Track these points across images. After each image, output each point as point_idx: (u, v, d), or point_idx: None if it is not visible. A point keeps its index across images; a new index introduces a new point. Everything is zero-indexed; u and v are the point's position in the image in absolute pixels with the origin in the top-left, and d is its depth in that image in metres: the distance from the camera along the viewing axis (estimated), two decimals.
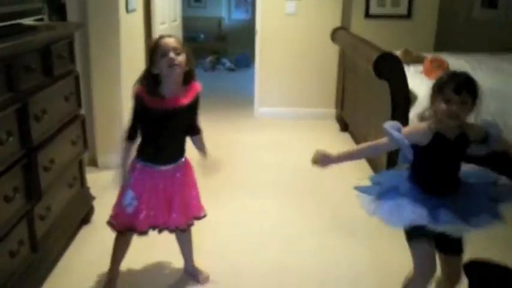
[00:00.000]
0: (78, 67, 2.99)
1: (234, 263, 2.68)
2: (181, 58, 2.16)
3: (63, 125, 2.62)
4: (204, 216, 2.44)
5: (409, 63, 3.91)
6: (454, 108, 1.83)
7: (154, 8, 4.49)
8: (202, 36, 9.25)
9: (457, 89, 1.83)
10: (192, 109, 2.29)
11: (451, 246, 2.02)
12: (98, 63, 3.82)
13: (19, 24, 2.39)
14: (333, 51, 5.22)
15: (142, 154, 2.29)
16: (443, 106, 1.84)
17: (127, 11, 3.95)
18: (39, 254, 2.33)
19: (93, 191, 3.14)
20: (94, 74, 3.84)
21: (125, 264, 2.49)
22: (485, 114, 3.14)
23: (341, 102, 5.00)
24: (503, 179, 2.05)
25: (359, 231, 2.94)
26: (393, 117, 3.07)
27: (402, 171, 2.05)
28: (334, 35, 4.95)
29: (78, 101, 2.86)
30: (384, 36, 4.86)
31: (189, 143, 2.39)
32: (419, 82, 3.49)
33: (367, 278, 2.56)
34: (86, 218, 3.03)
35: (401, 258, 2.28)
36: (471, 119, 1.92)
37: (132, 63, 3.98)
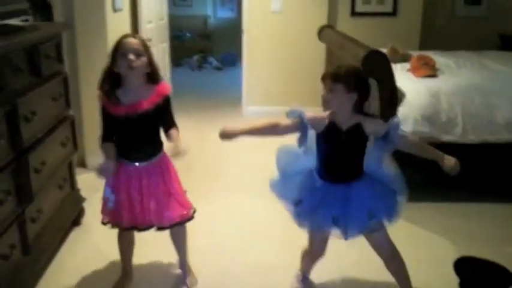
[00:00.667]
0: (66, 67, 2.97)
1: (223, 263, 2.69)
2: (141, 61, 2.14)
3: (52, 126, 2.60)
4: (193, 213, 2.39)
5: (396, 61, 3.94)
6: (323, 94, 2.04)
7: (140, 7, 4.47)
8: (188, 34, 9.22)
9: (322, 77, 2.05)
10: (160, 112, 2.24)
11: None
12: (85, 63, 3.80)
13: (6, 25, 2.37)
14: (319, 49, 5.24)
15: (117, 150, 2.26)
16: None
17: (114, 10, 3.93)
18: (30, 257, 2.31)
19: (82, 193, 3.12)
20: (82, 74, 3.82)
21: (118, 266, 2.49)
22: (471, 109, 3.25)
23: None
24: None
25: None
26: (381, 115, 3.10)
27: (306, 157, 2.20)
28: (321, 33, 4.97)
29: (67, 102, 2.84)
30: (369, 34, 4.90)
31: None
32: (406, 80, 3.52)
33: (357, 274, 2.58)
34: (76, 220, 3.01)
35: None
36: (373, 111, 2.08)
37: None
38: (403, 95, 3.31)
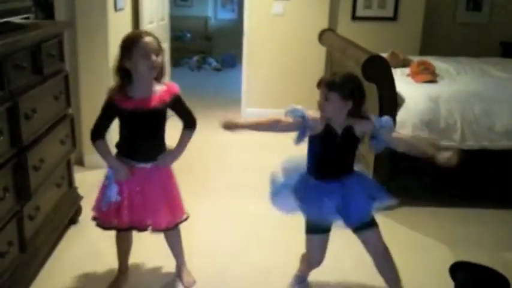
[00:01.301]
0: (66, 66, 2.97)
1: (220, 264, 2.69)
2: (160, 60, 2.15)
3: (52, 124, 2.60)
4: (186, 218, 2.41)
5: (396, 66, 3.95)
6: (319, 100, 2.08)
7: (142, 7, 4.47)
8: (188, 35, 9.22)
9: (318, 83, 2.09)
10: (174, 109, 2.27)
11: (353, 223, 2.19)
12: (86, 62, 3.80)
13: (8, 23, 2.36)
14: (320, 52, 5.25)
15: (121, 150, 2.28)
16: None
17: (115, 9, 3.93)
18: (27, 254, 2.31)
19: (80, 191, 3.12)
20: (82, 73, 3.82)
21: (114, 265, 2.49)
22: (470, 116, 3.26)
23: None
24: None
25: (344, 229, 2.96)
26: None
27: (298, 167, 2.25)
28: (322, 36, 4.98)
29: (67, 100, 2.84)
30: (370, 38, 4.91)
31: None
32: (406, 85, 3.54)
33: (353, 275, 2.59)
34: (73, 218, 3.01)
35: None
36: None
37: None
38: (402, 100, 3.32)
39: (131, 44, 2.13)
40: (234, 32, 7.86)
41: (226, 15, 9.47)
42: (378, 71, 3.22)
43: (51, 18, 3.77)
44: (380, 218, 2.26)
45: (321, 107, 2.08)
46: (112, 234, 2.41)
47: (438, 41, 5.60)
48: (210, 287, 2.51)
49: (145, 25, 4.55)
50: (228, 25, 9.25)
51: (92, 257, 2.71)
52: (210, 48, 9.22)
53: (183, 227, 2.45)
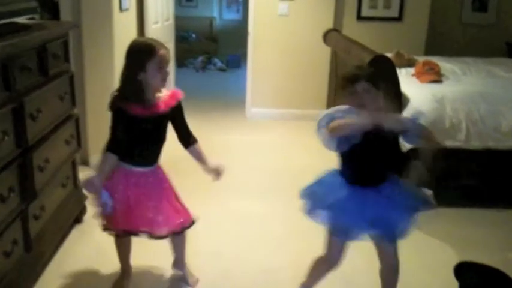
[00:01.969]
0: (72, 66, 2.98)
1: (223, 265, 2.69)
2: (169, 69, 2.17)
3: (57, 124, 2.61)
4: (193, 223, 2.37)
5: (400, 66, 3.94)
6: (354, 99, 1.97)
7: (147, 7, 4.48)
8: (193, 36, 9.24)
9: (342, 84, 2.02)
10: (174, 115, 2.26)
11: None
12: (91, 63, 3.81)
13: (14, 23, 2.37)
14: (325, 52, 5.24)
15: (116, 153, 2.22)
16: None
17: (120, 10, 3.94)
18: (32, 254, 2.32)
19: (84, 191, 3.12)
20: (87, 73, 3.83)
21: (119, 264, 2.50)
22: (475, 116, 3.25)
23: (333, 103, 5.02)
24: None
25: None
26: None
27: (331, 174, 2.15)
28: (326, 36, 4.97)
29: (72, 100, 2.85)
30: (375, 39, 4.90)
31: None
32: (411, 85, 3.53)
33: (358, 276, 2.59)
34: (78, 218, 3.02)
35: None
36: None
37: None
38: (407, 100, 3.32)
39: (146, 57, 2.10)
40: (239, 33, 7.87)
41: (231, 16, 9.48)
42: (383, 70, 3.21)
43: (56, 19, 3.78)
44: None
45: (360, 102, 1.95)
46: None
47: (443, 41, 5.58)
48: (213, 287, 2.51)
49: (150, 25, 4.56)
50: (233, 25, 9.26)
51: (96, 256, 2.72)
52: (215, 48, 9.23)
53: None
